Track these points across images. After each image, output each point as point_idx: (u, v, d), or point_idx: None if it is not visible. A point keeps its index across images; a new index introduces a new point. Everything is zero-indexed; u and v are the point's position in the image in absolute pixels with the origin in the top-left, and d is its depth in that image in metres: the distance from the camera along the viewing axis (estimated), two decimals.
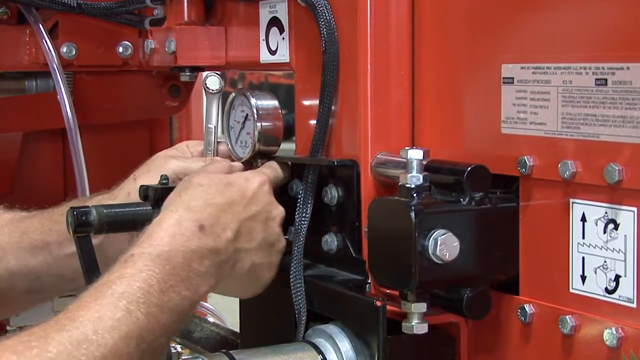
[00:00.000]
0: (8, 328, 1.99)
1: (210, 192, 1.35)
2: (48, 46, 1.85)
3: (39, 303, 1.66)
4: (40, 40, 1.86)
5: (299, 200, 1.42)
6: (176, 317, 1.24)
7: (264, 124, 1.51)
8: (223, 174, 1.41)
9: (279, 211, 1.42)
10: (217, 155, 1.62)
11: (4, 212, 1.62)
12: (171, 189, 1.44)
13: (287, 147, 1.52)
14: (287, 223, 1.49)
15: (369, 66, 1.34)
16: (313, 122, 1.41)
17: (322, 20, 1.37)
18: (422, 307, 1.21)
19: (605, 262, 1.12)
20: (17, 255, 1.55)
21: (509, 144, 1.23)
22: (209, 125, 1.59)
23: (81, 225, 1.43)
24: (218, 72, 1.67)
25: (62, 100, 1.86)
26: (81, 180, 1.89)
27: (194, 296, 1.26)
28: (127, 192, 1.55)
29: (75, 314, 1.16)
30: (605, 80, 1.11)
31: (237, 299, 1.56)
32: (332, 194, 1.40)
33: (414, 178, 1.20)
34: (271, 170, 1.48)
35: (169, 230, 1.28)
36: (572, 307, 1.16)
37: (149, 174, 1.55)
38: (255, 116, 1.51)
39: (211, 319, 2.07)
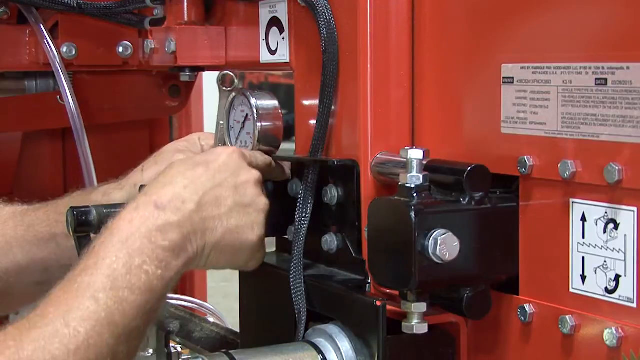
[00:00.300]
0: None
1: (169, 175, 1.34)
2: (50, 46, 1.85)
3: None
4: (41, 40, 1.86)
5: (298, 200, 1.42)
6: (150, 296, 1.23)
7: (264, 124, 1.51)
8: (197, 155, 1.42)
9: (250, 175, 1.40)
10: None
11: (5, 206, 1.62)
12: None
13: (287, 147, 1.52)
14: (287, 223, 1.49)
15: (369, 66, 1.34)
16: (313, 122, 1.41)
17: (322, 20, 1.37)
18: (422, 307, 1.21)
19: (605, 262, 1.12)
20: (24, 248, 1.55)
21: (509, 144, 1.23)
22: (220, 122, 1.59)
23: (81, 225, 1.43)
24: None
25: (67, 99, 1.87)
26: (89, 176, 1.90)
27: (165, 272, 1.26)
28: (134, 183, 1.55)
29: (45, 310, 1.17)
30: (605, 80, 1.11)
31: (237, 299, 1.56)
32: (332, 193, 1.40)
33: (414, 178, 1.20)
34: (255, 155, 1.47)
35: (127, 217, 1.28)
36: (572, 307, 1.16)
37: (156, 166, 1.55)
38: (255, 116, 1.50)
39: (211, 319, 2.07)
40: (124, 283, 1.21)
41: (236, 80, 1.59)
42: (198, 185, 1.34)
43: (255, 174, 1.41)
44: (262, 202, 1.40)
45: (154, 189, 1.32)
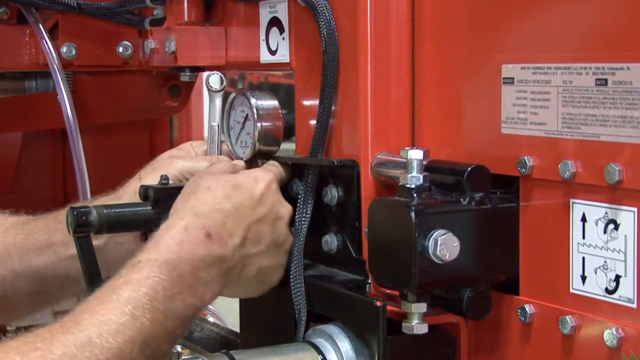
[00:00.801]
0: (8, 328, 1.99)
1: (217, 196, 1.34)
2: (48, 46, 1.85)
3: (43, 307, 1.66)
4: (40, 40, 1.86)
5: (299, 200, 1.42)
6: (180, 324, 1.24)
7: (264, 124, 1.51)
8: (230, 175, 1.40)
9: (287, 210, 1.41)
10: (221, 154, 1.61)
11: (9, 216, 1.62)
12: (172, 189, 1.44)
13: (287, 147, 1.52)
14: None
15: (369, 66, 1.34)
16: (313, 122, 1.41)
17: (322, 20, 1.37)
18: (422, 307, 1.21)
19: (605, 262, 1.12)
20: (22, 256, 1.55)
21: (509, 144, 1.23)
22: (212, 124, 1.59)
23: (81, 225, 1.43)
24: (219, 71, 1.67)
25: (63, 100, 1.86)
26: (82, 180, 1.89)
27: (199, 303, 1.27)
28: (132, 191, 1.54)
29: (80, 317, 1.17)
30: (605, 80, 1.11)
31: (237, 299, 1.56)
32: (332, 194, 1.40)
33: (414, 178, 1.20)
34: (276, 167, 1.47)
35: (177, 237, 1.28)
36: (572, 307, 1.16)
37: (154, 173, 1.55)
38: (255, 116, 1.50)
39: (211, 319, 2.07)
40: (162, 307, 1.21)
41: (224, 81, 1.59)
42: (242, 217, 1.34)
43: (290, 210, 1.41)
44: (290, 242, 1.41)
45: (201, 209, 1.31)
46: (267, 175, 1.41)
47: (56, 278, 1.54)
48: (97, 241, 1.47)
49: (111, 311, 1.17)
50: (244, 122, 1.54)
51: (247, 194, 1.36)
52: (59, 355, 1.11)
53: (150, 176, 1.55)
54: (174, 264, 1.25)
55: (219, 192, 1.34)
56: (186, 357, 1.33)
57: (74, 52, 1.89)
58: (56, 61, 1.85)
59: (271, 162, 1.50)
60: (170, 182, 1.48)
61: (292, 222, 1.44)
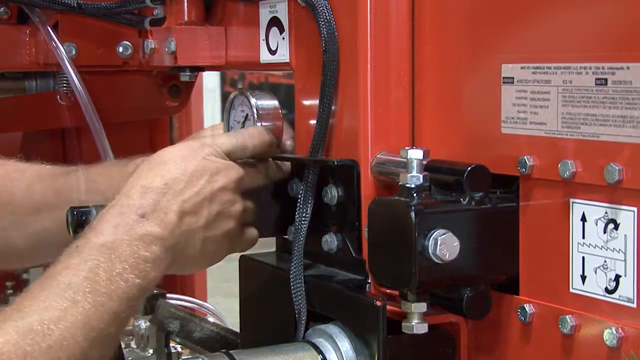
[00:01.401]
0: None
1: (149, 176, 1.34)
2: (58, 46, 1.85)
3: None
4: (48, 40, 1.86)
5: (298, 200, 1.42)
6: (126, 305, 1.24)
7: (264, 124, 1.51)
8: (169, 151, 1.39)
9: (227, 178, 1.39)
10: None
11: (25, 165, 1.62)
12: None
13: None
14: (287, 223, 1.49)
15: (369, 66, 1.34)
16: (313, 122, 1.41)
17: (322, 20, 1.37)
18: (422, 307, 1.21)
19: (605, 262, 1.12)
20: (53, 214, 1.55)
21: (509, 144, 1.23)
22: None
23: (81, 225, 1.43)
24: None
25: (80, 96, 1.86)
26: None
27: (143, 282, 1.26)
28: None
29: (21, 304, 1.17)
30: (605, 80, 1.11)
31: (237, 299, 1.56)
32: (332, 193, 1.40)
33: (414, 178, 1.20)
34: (232, 137, 1.45)
35: (112, 221, 1.28)
36: (572, 307, 1.16)
37: None
38: (255, 116, 1.51)
39: (211, 319, 2.07)
40: (104, 289, 1.21)
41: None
42: (176, 192, 1.33)
43: (231, 175, 1.39)
44: (236, 209, 1.40)
45: (134, 192, 1.31)
46: (204, 148, 1.39)
47: None
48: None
49: (51, 297, 1.17)
50: (243, 122, 1.54)
51: (181, 167, 1.35)
52: (1, 342, 1.11)
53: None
54: (112, 245, 1.25)
55: (152, 171, 1.34)
56: (186, 357, 1.33)
57: (74, 52, 1.89)
58: (67, 60, 1.84)
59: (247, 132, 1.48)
60: None
61: (289, 223, 1.44)
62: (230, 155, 1.42)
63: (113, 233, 1.26)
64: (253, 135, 1.45)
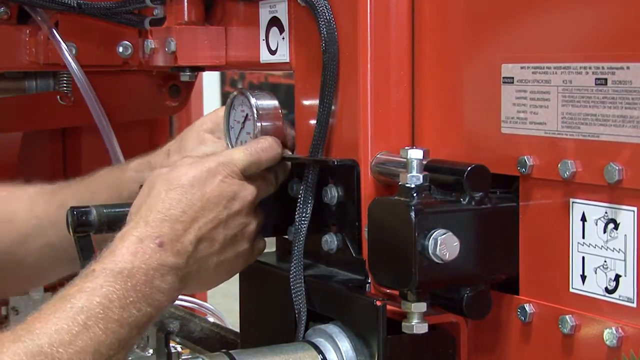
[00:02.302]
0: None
1: (166, 202, 1.32)
2: (61, 47, 1.85)
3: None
4: (53, 40, 1.86)
5: (299, 200, 1.42)
6: (136, 332, 1.24)
7: (264, 124, 1.51)
8: (186, 169, 1.36)
9: (243, 202, 1.38)
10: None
11: (26, 186, 1.61)
12: None
13: None
14: (287, 223, 1.49)
15: (369, 66, 1.34)
16: (313, 122, 1.41)
17: (322, 20, 1.37)
18: (422, 307, 1.21)
19: (605, 261, 1.12)
20: (57, 228, 1.55)
21: (509, 144, 1.23)
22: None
23: (81, 225, 1.43)
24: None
25: (88, 97, 1.86)
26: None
27: (154, 311, 1.26)
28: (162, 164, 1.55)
29: (32, 325, 1.16)
30: (605, 80, 1.11)
31: (237, 299, 1.56)
32: (332, 193, 1.40)
33: (414, 178, 1.20)
34: (246, 153, 1.42)
35: (131, 248, 1.27)
36: (572, 307, 1.16)
37: (179, 153, 1.55)
38: (255, 116, 1.50)
39: (211, 319, 2.07)
40: (116, 315, 1.21)
41: None
42: (192, 219, 1.32)
43: (247, 197, 1.38)
44: (250, 229, 1.40)
45: (153, 218, 1.30)
46: (217, 171, 1.37)
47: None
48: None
49: (63, 320, 1.17)
50: (243, 122, 1.54)
51: (198, 193, 1.34)
52: None
53: (176, 155, 1.55)
54: (128, 273, 1.24)
55: (169, 195, 1.33)
56: (186, 357, 1.33)
57: (74, 52, 1.89)
58: (71, 60, 1.84)
59: (258, 139, 1.46)
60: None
61: (289, 223, 1.44)
62: (245, 172, 1.40)
63: (131, 261, 1.25)
64: (266, 150, 1.44)
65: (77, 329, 1.17)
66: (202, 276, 1.35)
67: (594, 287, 1.14)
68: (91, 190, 1.55)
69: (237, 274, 1.55)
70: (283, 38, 1.51)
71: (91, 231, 1.44)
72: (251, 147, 1.43)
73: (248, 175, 1.41)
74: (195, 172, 1.36)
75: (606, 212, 1.12)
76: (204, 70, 1.75)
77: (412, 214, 1.16)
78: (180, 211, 1.32)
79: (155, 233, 1.29)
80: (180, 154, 1.53)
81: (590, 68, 1.12)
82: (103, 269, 1.24)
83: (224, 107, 1.57)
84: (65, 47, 1.86)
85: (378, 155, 1.35)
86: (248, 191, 1.39)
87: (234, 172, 1.38)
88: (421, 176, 1.20)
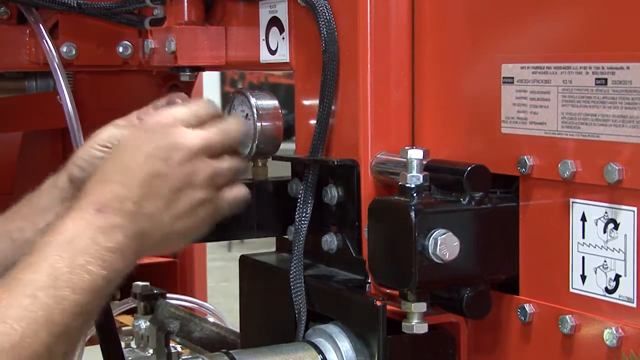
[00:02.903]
0: None
1: (104, 166, 1.30)
2: (49, 46, 1.85)
3: None
4: (40, 40, 1.86)
5: (299, 200, 1.42)
6: (91, 297, 1.21)
7: (264, 123, 1.51)
8: (119, 135, 1.36)
9: (182, 152, 1.29)
10: None
11: None
12: None
13: (287, 147, 1.52)
14: (287, 223, 1.49)
15: (369, 66, 1.34)
16: (313, 122, 1.41)
17: (322, 20, 1.37)
18: (422, 307, 1.21)
19: (605, 261, 1.13)
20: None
21: (509, 144, 1.23)
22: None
23: None
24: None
25: (64, 100, 1.86)
26: None
27: (109, 273, 1.23)
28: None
29: None
30: (605, 80, 1.11)
31: (237, 299, 1.56)
32: (332, 193, 1.40)
33: (414, 178, 1.20)
34: (185, 107, 1.34)
35: (70, 217, 1.25)
36: (572, 307, 1.16)
37: (88, 142, 1.50)
38: (255, 116, 1.50)
39: (211, 319, 2.07)
40: (66, 282, 1.19)
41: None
42: (130, 178, 1.28)
43: (189, 147, 1.29)
44: (202, 177, 1.30)
45: (92, 188, 1.29)
46: (163, 120, 1.31)
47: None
48: None
49: (12, 296, 1.16)
50: None
51: (130, 151, 1.30)
52: None
53: (85, 146, 1.50)
54: (71, 239, 1.22)
55: (106, 160, 1.32)
56: (186, 357, 1.34)
57: (74, 52, 1.89)
58: (57, 61, 1.85)
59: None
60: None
61: (289, 222, 1.43)
62: (187, 123, 1.31)
63: (73, 228, 1.23)
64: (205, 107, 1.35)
65: (27, 301, 1.15)
66: (158, 233, 1.29)
67: (594, 287, 1.14)
68: (14, 210, 1.54)
69: (237, 274, 1.56)
70: (283, 38, 1.51)
71: None
72: (196, 105, 1.35)
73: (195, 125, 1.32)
74: (132, 133, 1.34)
75: (606, 212, 1.12)
76: (204, 70, 1.75)
77: (412, 214, 1.16)
78: (115, 171, 1.28)
79: (94, 198, 1.26)
80: (86, 145, 1.50)
81: (590, 68, 1.12)
82: (45, 241, 1.23)
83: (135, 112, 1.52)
84: (52, 47, 1.85)
85: (378, 155, 1.35)
86: (190, 137, 1.30)
87: (172, 122, 1.31)
88: (421, 176, 1.20)
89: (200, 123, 1.33)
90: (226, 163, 1.34)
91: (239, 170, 1.36)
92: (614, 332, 1.10)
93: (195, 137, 1.30)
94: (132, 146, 1.31)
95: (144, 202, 1.28)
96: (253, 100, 1.51)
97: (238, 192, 1.36)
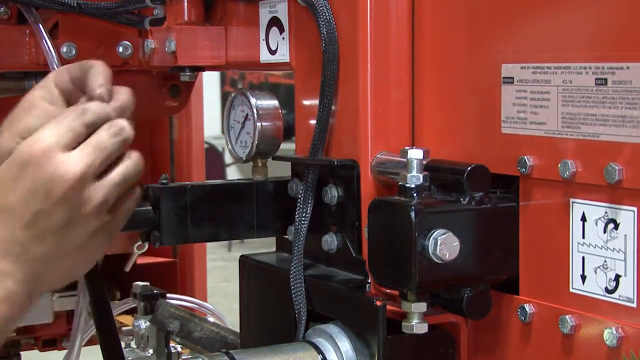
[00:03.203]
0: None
1: None
2: (48, 46, 1.85)
3: None
4: (40, 40, 1.86)
5: (299, 200, 1.42)
6: None
7: (264, 124, 1.51)
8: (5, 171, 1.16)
9: (61, 184, 1.14)
10: None
11: None
12: (171, 189, 1.44)
13: (287, 147, 1.52)
14: (287, 223, 1.49)
15: (369, 66, 1.34)
16: (313, 122, 1.41)
17: (322, 20, 1.37)
18: (422, 307, 1.21)
19: (605, 261, 1.13)
20: None
21: (509, 144, 1.23)
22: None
23: None
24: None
25: None
26: None
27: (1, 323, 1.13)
28: None
29: None
30: (605, 80, 1.11)
31: (237, 299, 1.56)
32: (332, 193, 1.40)
33: (414, 178, 1.20)
34: (58, 125, 1.17)
35: None
36: (572, 307, 1.16)
37: (9, 123, 1.30)
38: (255, 116, 1.51)
39: (211, 319, 2.07)
40: None
41: None
42: (13, 219, 1.14)
43: (70, 178, 1.14)
44: (88, 209, 1.16)
45: None
46: (33, 155, 1.14)
47: None
48: None
49: None
50: (243, 122, 1.54)
51: (9, 187, 1.15)
52: None
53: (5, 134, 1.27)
54: None
55: None
56: (186, 357, 1.34)
57: (74, 52, 1.89)
58: (56, 61, 1.85)
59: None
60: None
61: (289, 222, 1.43)
62: (66, 147, 1.16)
63: None
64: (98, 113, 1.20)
65: None
66: (56, 272, 1.18)
67: (594, 287, 1.14)
68: None
69: (237, 274, 1.56)
70: (283, 38, 1.51)
71: None
72: (64, 115, 1.20)
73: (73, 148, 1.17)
74: (7, 163, 1.16)
75: (606, 212, 1.12)
76: (204, 70, 1.75)
77: (412, 214, 1.16)
78: None
79: None
80: (9, 124, 1.30)
81: (590, 68, 1.12)
82: None
83: (58, 71, 1.36)
84: (51, 47, 1.85)
85: (378, 155, 1.35)
86: (68, 165, 1.14)
87: (47, 150, 1.15)
88: (421, 176, 1.20)
89: (78, 139, 1.17)
90: (117, 176, 1.19)
91: (132, 174, 1.21)
92: (614, 332, 1.10)
93: (75, 165, 1.15)
94: (10, 181, 1.15)
95: (31, 244, 1.15)
96: (253, 100, 1.52)
97: (132, 201, 1.24)
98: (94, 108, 1.21)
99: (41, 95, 1.31)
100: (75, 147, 1.17)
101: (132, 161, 1.23)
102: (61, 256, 1.18)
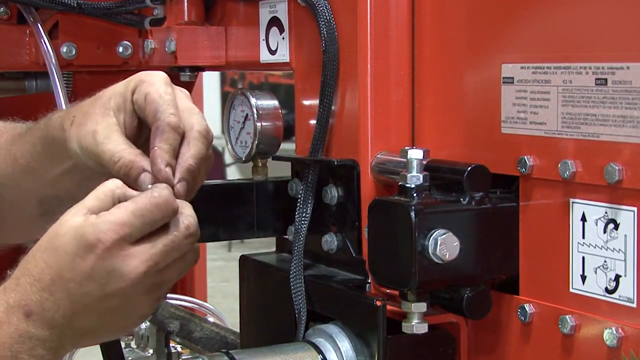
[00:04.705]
0: None
1: (39, 264, 1.13)
2: (46, 46, 1.85)
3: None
4: (38, 40, 1.86)
5: (299, 200, 1.42)
6: None
7: (264, 124, 1.51)
8: (65, 234, 1.12)
9: (120, 280, 1.11)
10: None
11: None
12: None
13: (287, 147, 1.52)
14: (287, 223, 1.49)
15: (369, 66, 1.34)
16: (313, 122, 1.41)
17: (322, 20, 1.37)
18: (422, 307, 1.21)
19: (605, 262, 1.13)
20: (12, 183, 1.40)
21: (509, 144, 1.23)
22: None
23: None
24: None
25: (59, 102, 1.86)
26: None
27: None
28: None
29: None
30: (605, 80, 1.11)
31: (237, 299, 1.56)
32: (332, 193, 1.40)
33: (414, 178, 1.20)
34: (131, 212, 1.11)
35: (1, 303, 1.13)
36: (572, 307, 1.16)
37: (80, 126, 1.28)
38: (255, 116, 1.51)
39: (211, 319, 2.07)
40: None
41: None
42: (63, 290, 1.12)
43: (131, 278, 1.11)
44: (140, 306, 1.15)
45: (23, 280, 1.13)
46: (99, 239, 1.10)
47: (51, 198, 1.37)
48: None
49: None
50: (243, 122, 1.54)
51: (67, 260, 1.12)
52: None
53: (75, 129, 1.28)
54: None
55: (44, 256, 1.14)
56: (186, 357, 1.34)
57: (74, 52, 1.89)
58: (54, 61, 1.85)
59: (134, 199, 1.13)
60: None
61: (289, 222, 1.43)
62: (132, 237, 1.12)
63: None
64: (160, 206, 1.12)
65: None
66: (91, 341, 1.19)
67: (594, 287, 1.14)
68: (37, 136, 1.37)
69: (237, 274, 1.56)
70: (283, 38, 1.51)
71: None
72: (140, 204, 1.12)
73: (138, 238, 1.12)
74: (73, 237, 1.12)
75: (606, 212, 1.12)
76: (204, 70, 1.75)
77: (412, 214, 1.16)
78: (50, 279, 1.12)
79: (23, 300, 1.13)
80: (80, 128, 1.26)
81: (590, 68, 1.12)
82: None
83: (127, 82, 1.35)
84: (50, 47, 1.85)
85: (378, 155, 1.35)
86: (133, 264, 1.10)
87: (116, 242, 1.10)
88: (421, 176, 1.20)
89: (147, 231, 1.11)
90: (175, 275, 1.15)
91: (188, 268, 1.17)
92: (614, 332, 1.10)
93: (140, 264, 1.11)
94: (69, 255, 1.12)
95: (75, 318, 1.13)
96: (253, 100, 1.52)
97: (165, 291, 1.18)
98: (178, 234, 1.14)
99: (117, 106, 1.31)
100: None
101: (193, 256, 1.17)
102: (99, 331, 1.17)
